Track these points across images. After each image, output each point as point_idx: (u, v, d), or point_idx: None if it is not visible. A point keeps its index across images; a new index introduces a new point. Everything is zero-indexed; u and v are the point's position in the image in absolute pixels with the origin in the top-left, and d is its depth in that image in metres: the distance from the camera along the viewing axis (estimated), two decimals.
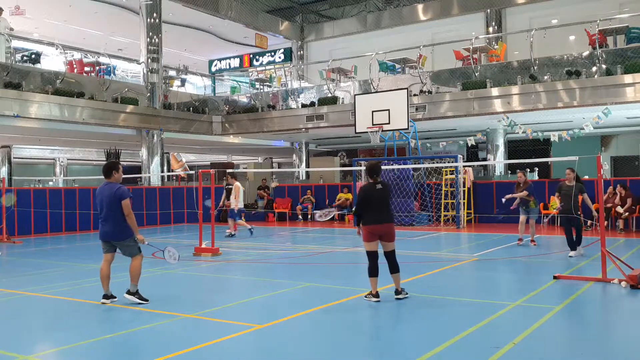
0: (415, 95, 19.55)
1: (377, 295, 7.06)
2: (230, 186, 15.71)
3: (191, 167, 30.76)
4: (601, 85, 16.56)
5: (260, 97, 24.48)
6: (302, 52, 31.12)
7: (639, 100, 16.17)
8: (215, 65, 32.17)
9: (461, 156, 20.12)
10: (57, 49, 21.09)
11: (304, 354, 5.18)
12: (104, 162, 8.76)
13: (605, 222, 14.90)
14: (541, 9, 23.85)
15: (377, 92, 19.73)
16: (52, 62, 21.52)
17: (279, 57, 30.35)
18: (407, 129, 17.79)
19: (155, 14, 21.86)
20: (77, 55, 22.79)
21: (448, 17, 26.25)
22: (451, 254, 11.72)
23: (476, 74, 19.23)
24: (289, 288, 8.24)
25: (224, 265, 10.59)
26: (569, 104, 17.11)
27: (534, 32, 18.92)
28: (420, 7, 27.13)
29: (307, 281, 8.68)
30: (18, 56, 19.05)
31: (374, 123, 17.83)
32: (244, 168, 34.93)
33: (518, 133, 19.09)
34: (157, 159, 22.01)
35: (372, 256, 7.16)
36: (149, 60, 21.80)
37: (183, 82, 25.49)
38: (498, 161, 22.50)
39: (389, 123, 17.64)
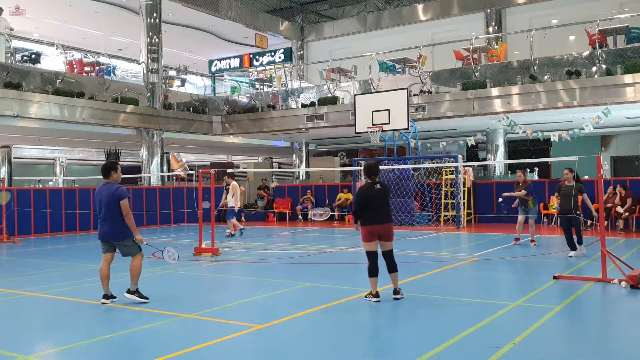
0: (415, 95, 19.56)
1: (377, 295, 7.06)
2: (229, 186, 15.72)
3: (191, 167, 30.77)
4: (601, 85, 16.56)
5: (260, 97, 24.48)
6: (302, 52, 31.12)
7: (639, 100, 16.17)
8: (215, 65, 32.17)
9: (461, 156, 20.12)
10: (57, 49, 21.09)
11: (304, 354, 5.18)
12: (104, 162, 8.76)
13: (605, 222, 14.90)
14: (541, 9, 23.86)
15: (377, 92, 19.73)
16: (52, 62, 21.52)
17: (279, 57, 30.35)
18: (407, 129, 17.79)
19: (155, 14, 21.86)
20: (77, 55, 22.79)
21: (448, 17, 26.26)
22: (451, 254, 11.71)
23: (476, 74, 19.23)
24: (289, 288, 8.24)
25: (224, 265, 10.59)
26: (569, 104, 17.12)
27: (534, 32, 18.92)
28: (420, 7, 27.13)
29: (307, 281, 8.68)
30: (18, 56, 19.05)
31: (374, 123, 17.83)
32: (244, 168, 34.94)
33: (518, 133, 19.09)
34: (157, 159, 22.01)
35: (372, 256, 7.16)
36: (149, 60, 21.80)
37: (183, 82, 25.49)
38: (498, 161, 22.50)
39: (389, 123, 17.64)
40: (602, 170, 8.58)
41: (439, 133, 24.51)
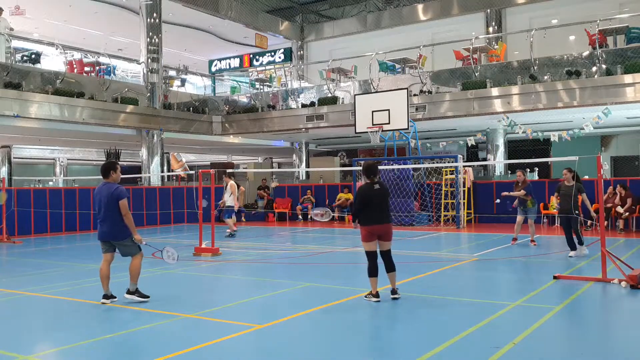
0: (415, 95, 19.56)
1: (377, 295, 7.06)
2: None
3: (191, 167, 30.76)
4: (601, 85, 16.56)
5: (260, 97, 24.48)
6: (302, 52, 31.12)
7: (639, 100, 16.17)
8: (215, 65, 32.17)
9: (461, 156, 20.12)
10: (57, 49, 21.09)
11: (304, 354, 5.18)
12: (104, 162, 8.76)
13: (605, 222, 14.90)
14: (541, 9, 23.86)
15: (377, 92, 19.73)
16: (52, 62, 21.52)
17: (279, 57, 30.35)
18: (407, 129, 17.79)
19: (155, 14, 21.86)
20: (77, 55, 22.79)
21: (448, 17, 26.26)
22: (451, 254, 11.71)
23: (476, 74, 19.23)
24: (289, 288, 8.24)
25: (224, 265, 10.59)
26: (569, 104, 17.12)
27: (534, 32, 18.92)
28: (420, 7, 27.13)
29: (307, 281, 8.68)
30: (18, 56, 19.06)
31: (374, 123, 17.83)
32: (244, 168, 34.94)
33: (518, 133, 19.09)
34: (157, 159, 22.01)
35: (372, 256, 7.15)
36: (149, 60, 21.80)
37: (183, 82, 25.49)
38: (498, 161, 22.50)
39: (389, 123, 17.64)
40: (602, 170, 8.58)
41: (439, 133, 24.51)
